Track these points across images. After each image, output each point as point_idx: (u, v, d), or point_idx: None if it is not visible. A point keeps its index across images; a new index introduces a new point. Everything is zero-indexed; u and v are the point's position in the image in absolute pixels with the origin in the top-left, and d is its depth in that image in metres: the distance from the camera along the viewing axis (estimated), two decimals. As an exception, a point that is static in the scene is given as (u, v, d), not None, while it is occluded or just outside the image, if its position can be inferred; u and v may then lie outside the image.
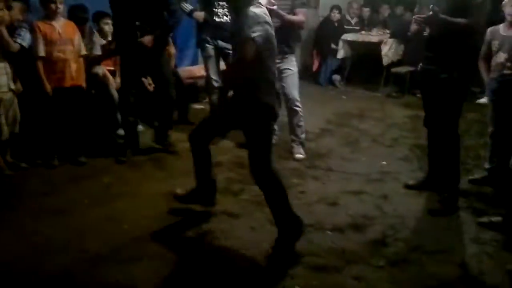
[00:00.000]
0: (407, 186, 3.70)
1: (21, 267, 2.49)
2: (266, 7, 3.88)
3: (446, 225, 3.14)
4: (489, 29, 3.73)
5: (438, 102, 3.30)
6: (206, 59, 4.49)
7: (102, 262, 2.55)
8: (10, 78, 3.56)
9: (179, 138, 4.29)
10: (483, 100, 5.62)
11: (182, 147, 4.10)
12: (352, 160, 4.34)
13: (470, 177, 3.83)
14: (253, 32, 2.44)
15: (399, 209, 3.35)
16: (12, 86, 3.59)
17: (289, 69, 4.16)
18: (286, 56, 4.13)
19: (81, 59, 3.92)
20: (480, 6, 3.14)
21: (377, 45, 7.32)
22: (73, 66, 3.81)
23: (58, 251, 2.63)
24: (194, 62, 6.11)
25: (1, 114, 3.52)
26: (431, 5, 3.09)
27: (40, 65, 3.65)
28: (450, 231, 3.07)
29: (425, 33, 3.39)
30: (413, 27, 3.41)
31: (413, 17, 3.36)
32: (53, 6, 3.67)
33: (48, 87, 3.66)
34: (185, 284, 2.42)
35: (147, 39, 3.83)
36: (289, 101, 4.23)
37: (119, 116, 4.32)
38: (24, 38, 3.63)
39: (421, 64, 3.53)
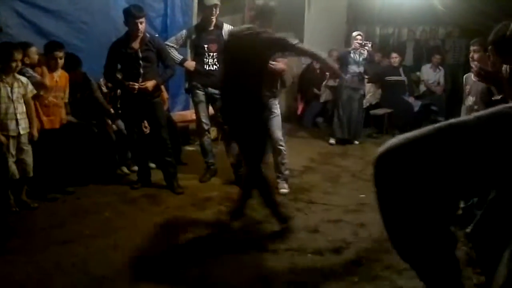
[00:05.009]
0: None
1: (31, 286, 2.79)
2: None
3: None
4: (465, 75, 4.23)
5: None
6: (196, 104, 4.88)
7: (106, 283, 2.86)
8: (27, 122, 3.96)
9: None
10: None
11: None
12: (333, 194, 4.69)
13: None
14: None
15: (375, 235, 3.68)
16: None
17: (273, 111, 4.58)
18: (270, 100, 4.56)
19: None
20: None
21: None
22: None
23: (65, 274, 2.93)
24: (185, 107, 6.50)
25: (9, 153, 3.86)
26: None
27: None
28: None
29: None
30: None
31: None
32: (53, 62, 4.21)
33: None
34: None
35: (150, 83, 4.31)
36: (273, 141, 4.60)
37: (117, 156, 4.74)
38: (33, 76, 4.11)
39: None
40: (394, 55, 7.90)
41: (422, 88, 8.74)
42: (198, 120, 4.92)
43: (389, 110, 7.64)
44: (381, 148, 0.73)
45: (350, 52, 6.77)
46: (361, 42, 6.70)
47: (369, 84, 7.89)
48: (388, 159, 0.73)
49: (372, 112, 7.77)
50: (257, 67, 3.49)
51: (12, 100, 3.83)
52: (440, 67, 8.69)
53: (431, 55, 9.01)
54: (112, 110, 5.05)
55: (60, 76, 4.29)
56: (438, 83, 8.65)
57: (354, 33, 6.86)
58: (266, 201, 3.67)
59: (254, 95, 3.51)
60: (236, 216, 3.82)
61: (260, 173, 3.58)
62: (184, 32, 4.89)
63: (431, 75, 8.67)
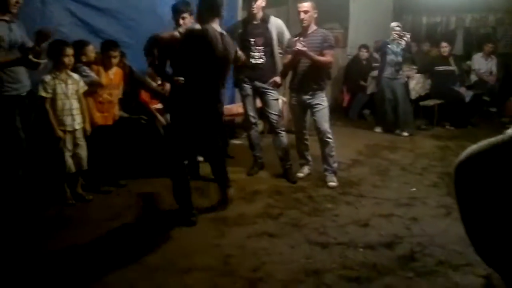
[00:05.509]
0: None
1: (88, 276, 2.89)
2: (298, 49, 4.33)
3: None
4: None
5: None
6: (244, 97, 4.90)
7: (160, 273, 2.92)
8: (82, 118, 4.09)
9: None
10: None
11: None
12: (383, 187, 4.61)
13: None
14: None
15: (427, 229, 3.61)
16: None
17: (320, 104, 4.55)
18: (316, 92, 4.53)
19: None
20: None
21: (404, 81, 7.68)
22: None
23: (120, 264, 3.02)
24: (232, 101, 6.53)
25: (66, 148, 4.00)
26: None
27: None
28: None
29: None
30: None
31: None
32: (108, 60, 4.31)
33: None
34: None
35: None
36: (321, 133, 4.58)
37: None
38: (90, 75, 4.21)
39: None
40: (444, 44, 7.65)
41: (473, 77, 8.44)
42: (246, 113, 4.94)
43: (439, 101, 7.41)
44: (462, 155, 0.69)
45: (388, 43, 6.87)
46: (399, 32, 6.73)
47: (418, 74, 7.70)
48: (469, 167, 0.69)
49: (422, 103, 7.56)
50: (226, 67, 3.85)
51: (68, 96, 3.96)
52: (493, 56, 8.36)
53: (481, 44, 8.69)
54: (160, 106, 5.15)
55: (115, 74, 4.39)
56: (491, 73, 8.33)
57: (393, 24, 6.96)
58: (176, 194, 3.78)
59: (218, 90, 3.85)
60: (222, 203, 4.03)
61: (181, 165, 3.83)
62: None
63: (483, 64, 8.35)
